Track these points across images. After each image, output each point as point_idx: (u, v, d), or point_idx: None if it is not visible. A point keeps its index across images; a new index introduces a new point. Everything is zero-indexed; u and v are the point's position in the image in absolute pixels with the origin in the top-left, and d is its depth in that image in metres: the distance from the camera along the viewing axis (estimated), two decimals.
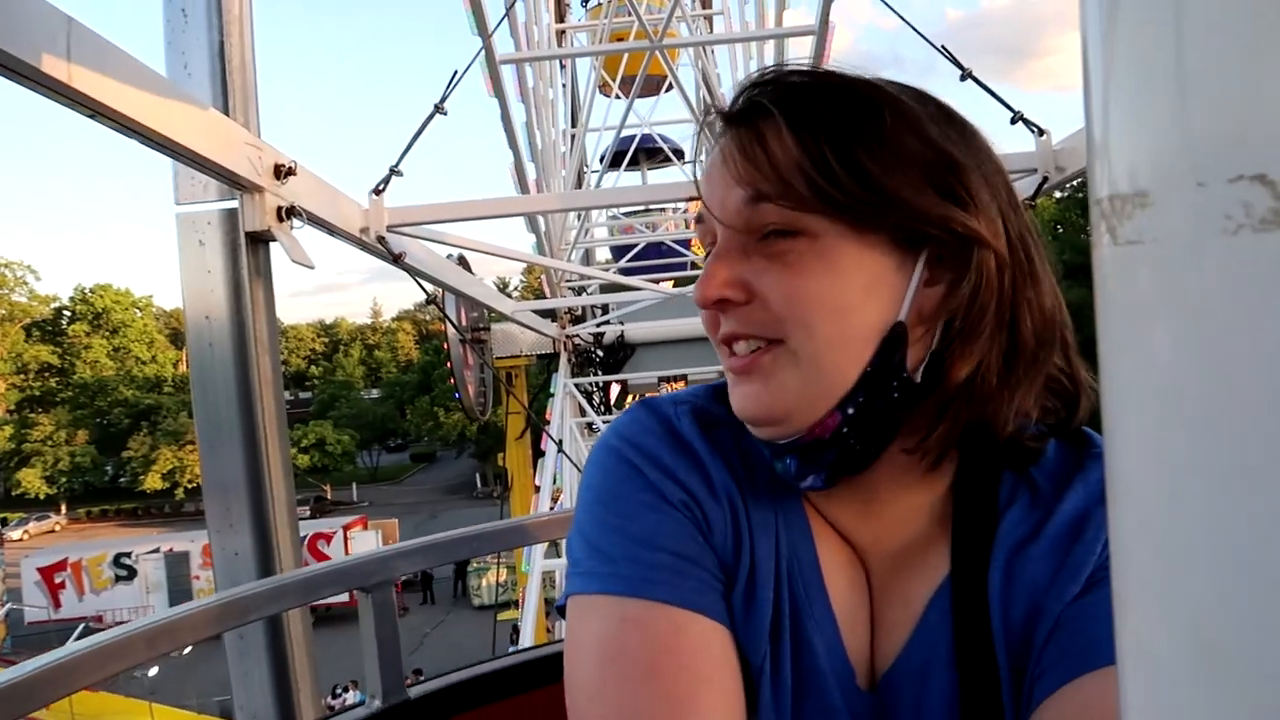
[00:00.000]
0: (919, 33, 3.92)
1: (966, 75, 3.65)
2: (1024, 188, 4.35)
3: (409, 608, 28.78)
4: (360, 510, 42.33)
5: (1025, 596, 0.73)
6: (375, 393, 64.35)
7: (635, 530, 0.74)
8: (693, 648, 0.69)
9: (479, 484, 54.73)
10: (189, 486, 46.56)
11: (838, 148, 0.68)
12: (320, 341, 70.84)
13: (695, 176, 0.78)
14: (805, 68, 0.74)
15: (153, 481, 47.14)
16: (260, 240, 3.51)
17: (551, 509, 8.48)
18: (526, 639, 7.53)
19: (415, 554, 1.48)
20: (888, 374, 0.70)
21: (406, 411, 58.67)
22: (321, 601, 1.44)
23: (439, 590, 31.00)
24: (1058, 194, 4.45)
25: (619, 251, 11.85)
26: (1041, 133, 4.10)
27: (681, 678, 0.67)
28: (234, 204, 3.46)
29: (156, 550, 28.80)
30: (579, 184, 10.83)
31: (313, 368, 67.42)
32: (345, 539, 28.50)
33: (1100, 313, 0.28)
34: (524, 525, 1.69)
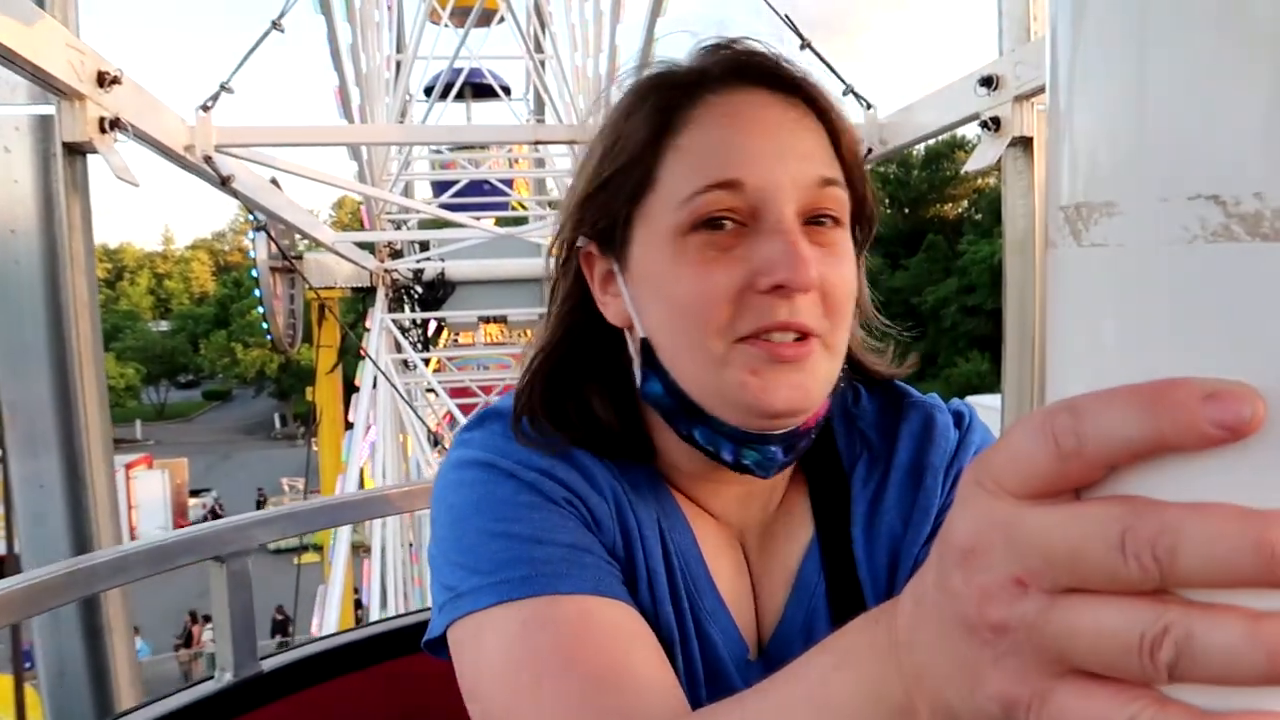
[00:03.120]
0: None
1: (805, 45, 3.87)
2: None
3: None
4: (145, 449, 39.76)
5: (885, 545, 0.80)
6: (165, 325, 60.20)
7: (519, 530, 0.68)
8: (605, 629, 0.65)
9: (278, 424, 52.51)
10: None
11: (858, 147, 0.74)
12: (102, 267, 65.27)
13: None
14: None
15: None
16: (79, 152, 3.30)
17: (366, 460, 8.37)
18: (335, 588, 7.41)
19: (274, 522, 1.42)
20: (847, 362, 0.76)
21: (200, 346, 55.32)
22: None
23: None
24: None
25: (440, 187, 11.61)
26: (870, 106, 4.43)
27: (600, 658, 0.63)
28: (48, 109, 3.24)
29: None
30: (403, 114, 10.54)
31: None
32: (128, 479, 26.66)
33: (1055, 303, 0.32)
34: (385, 495, 1.67)
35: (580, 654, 0.63)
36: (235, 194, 4.19)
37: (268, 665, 1.33)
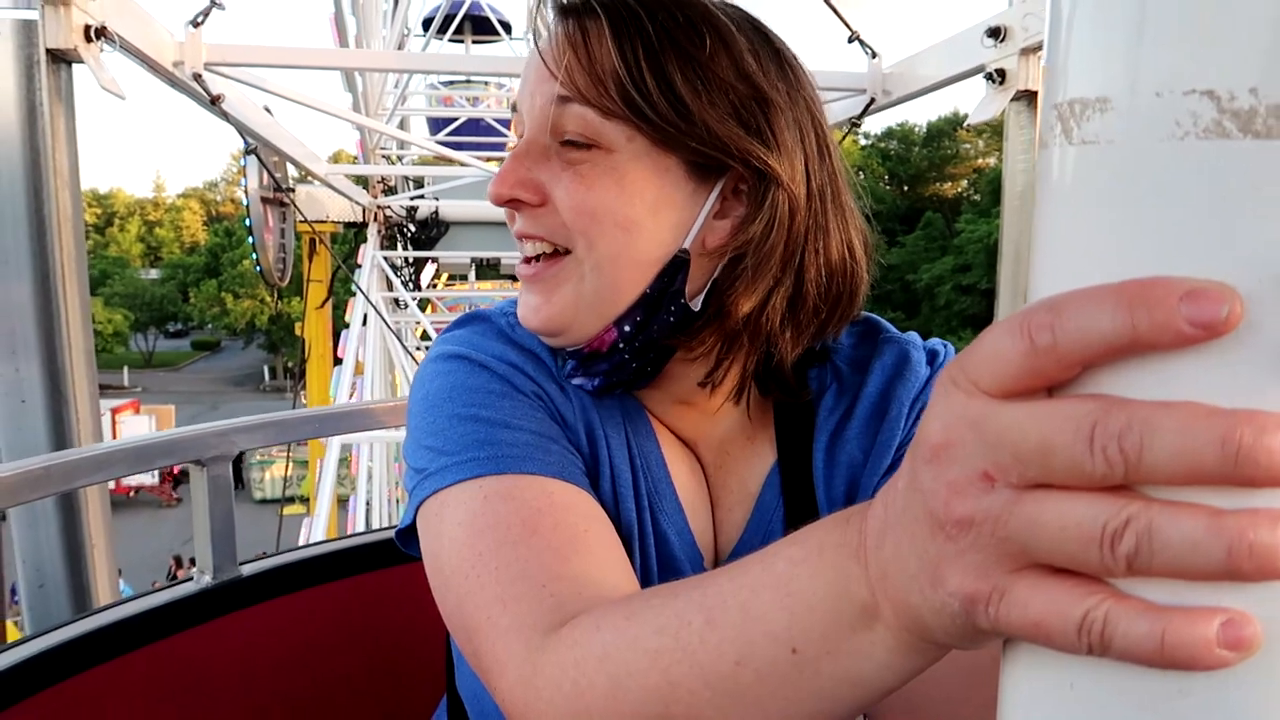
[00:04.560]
0: None
1: None
2: (853, 107, 4.63)
3: (182, 498, 27.63)
4: (132, 396, 39.69)
5: (845, 474, 0.81)
6: (155, 273, 59.91)
7: (488, 415, 0.70)
8: (566, 508, 0.67)
9: (268, 377, 52.48)
10: None
11: (653, 62, 0.68)
12: (92, 212, 64.75)
13: (536, 53, 0.74)
14: None
15: None
16: (63, 60, 3.21)
17: (353, 397, 8.33)
18: (320, 518, 7.42)
19: (256, 430, 1.40)
20: (666, 297, 0.71)
21: (190, 295, 55.12)
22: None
23: None
24: (862, 140, 4.77)
25: (435, 125, 11.42)
26: (874, 55, 4.36)
27: (560, 531, 0.65)
28: (31, 14, 3.15)
29: None
30: (400, 47, 10.36)
31: None
32: (114, 423, 26.58)
33: (1043, 203, 0.31)
34: (370, 409, 1.64)
35: (541, 525, 0.64)
36: (225, 116, 4.08)
37: (247, 570, 1.35)
